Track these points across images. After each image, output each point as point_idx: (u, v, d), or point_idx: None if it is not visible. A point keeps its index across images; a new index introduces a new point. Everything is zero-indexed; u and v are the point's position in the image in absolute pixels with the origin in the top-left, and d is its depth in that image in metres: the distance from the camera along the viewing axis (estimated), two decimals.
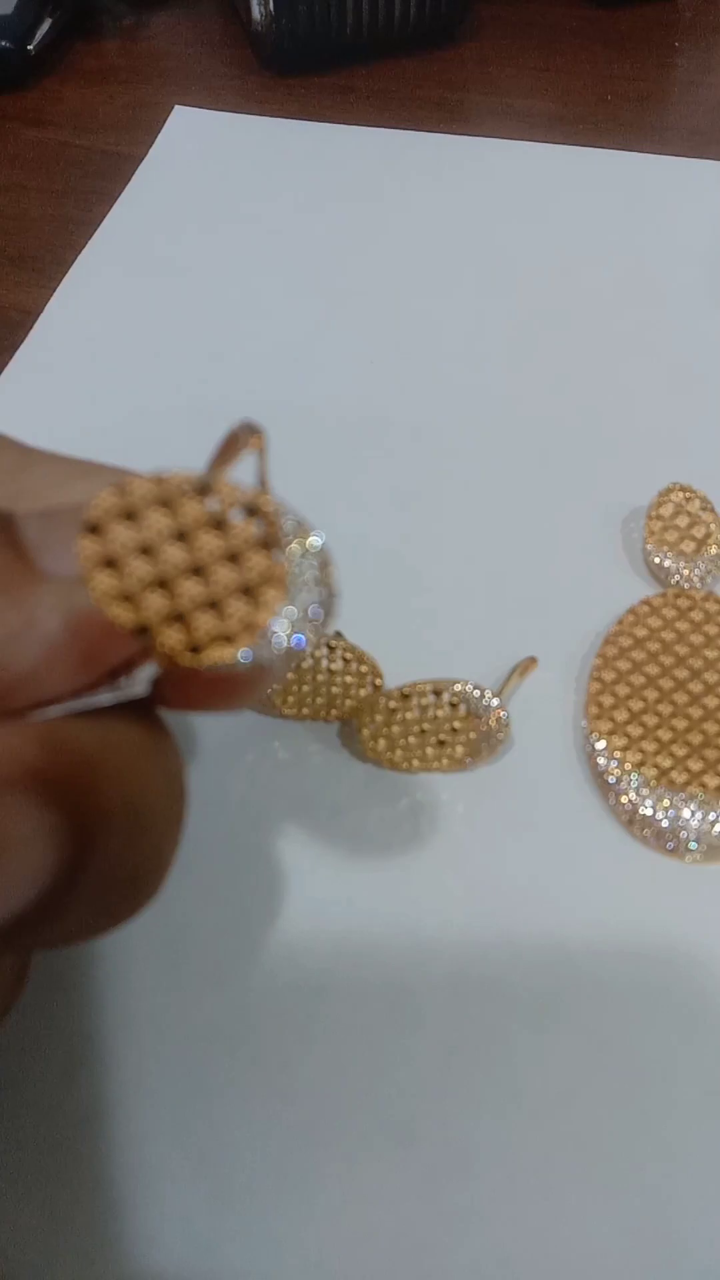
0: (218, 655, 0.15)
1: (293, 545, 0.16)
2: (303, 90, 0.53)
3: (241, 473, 0.17)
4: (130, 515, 0.15)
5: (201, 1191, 0.23)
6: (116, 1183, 0.23)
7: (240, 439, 0.18)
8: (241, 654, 0.15)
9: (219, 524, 0.16)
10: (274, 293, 0.42)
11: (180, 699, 0.18)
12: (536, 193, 0.46)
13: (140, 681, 0.16)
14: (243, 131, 0.51)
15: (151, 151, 0.50)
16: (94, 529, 0.15)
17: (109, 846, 0.16)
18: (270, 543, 0.16)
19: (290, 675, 0.29)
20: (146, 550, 0.15)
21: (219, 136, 0.50)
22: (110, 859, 0.16)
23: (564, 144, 0.48)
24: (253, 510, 0.16)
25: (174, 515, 0.15)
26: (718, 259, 0.42)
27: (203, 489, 0.16)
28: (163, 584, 0.15)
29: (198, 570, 0.15)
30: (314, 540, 0.17)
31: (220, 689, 0.18)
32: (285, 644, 0.16)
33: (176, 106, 0.52)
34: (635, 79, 0.51)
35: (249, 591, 0.15)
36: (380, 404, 0.38)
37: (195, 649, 0.15)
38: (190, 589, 0.15)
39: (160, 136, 0.50)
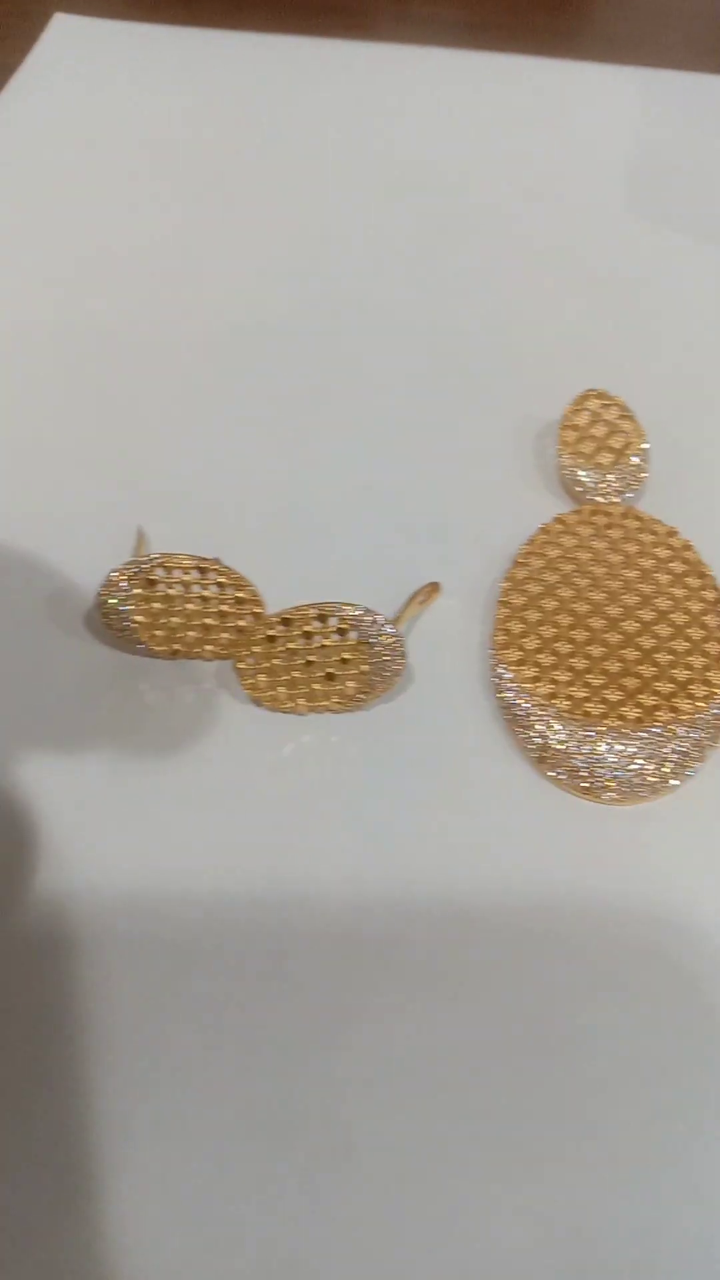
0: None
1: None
2: None
3: None
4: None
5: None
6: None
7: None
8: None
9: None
10: (160, 204, 0.39)
11: None
12: (443, 100, 0.42)
13: None
14: (127, 40, 0.46)
15: (27, 60, 0.45)
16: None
17: None
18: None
19: (157, 605, 0.25)
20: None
21: (102, 45, 0.46)
22: None
23: (474, 50, 0.44)
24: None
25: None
26: (634, 164, 0.39)
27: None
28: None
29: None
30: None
31: None
32: None
33: (56, 14, 0.47)
34: None
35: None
36: (272, 313, 0.34)
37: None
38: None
39: (37, 45, 0.46)
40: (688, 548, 0.27)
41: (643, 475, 0.29)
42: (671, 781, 0.24)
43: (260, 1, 0.48)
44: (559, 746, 0.24)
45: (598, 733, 0.24)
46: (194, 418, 0.32)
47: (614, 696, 0.25)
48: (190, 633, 0.26)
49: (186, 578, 0.25)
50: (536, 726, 0.25)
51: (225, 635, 0.26)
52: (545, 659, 0.26)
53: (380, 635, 0.25)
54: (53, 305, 0.35)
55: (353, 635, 0.25)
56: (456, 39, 0.45)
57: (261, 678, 0.25)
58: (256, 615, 0.26)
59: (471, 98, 0.42)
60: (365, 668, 0.25)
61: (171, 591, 0.25)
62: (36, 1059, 0.21)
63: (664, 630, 0.26)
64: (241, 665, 0.25)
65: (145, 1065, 0.21)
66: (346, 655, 0.25)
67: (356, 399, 0.32)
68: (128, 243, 0.37)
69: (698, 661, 0.25)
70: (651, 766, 0.24)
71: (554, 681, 0.25)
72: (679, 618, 0.26)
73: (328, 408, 0.32)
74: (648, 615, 0.26)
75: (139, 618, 0.26)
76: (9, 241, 0.37)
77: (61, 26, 0.47)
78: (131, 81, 0.44)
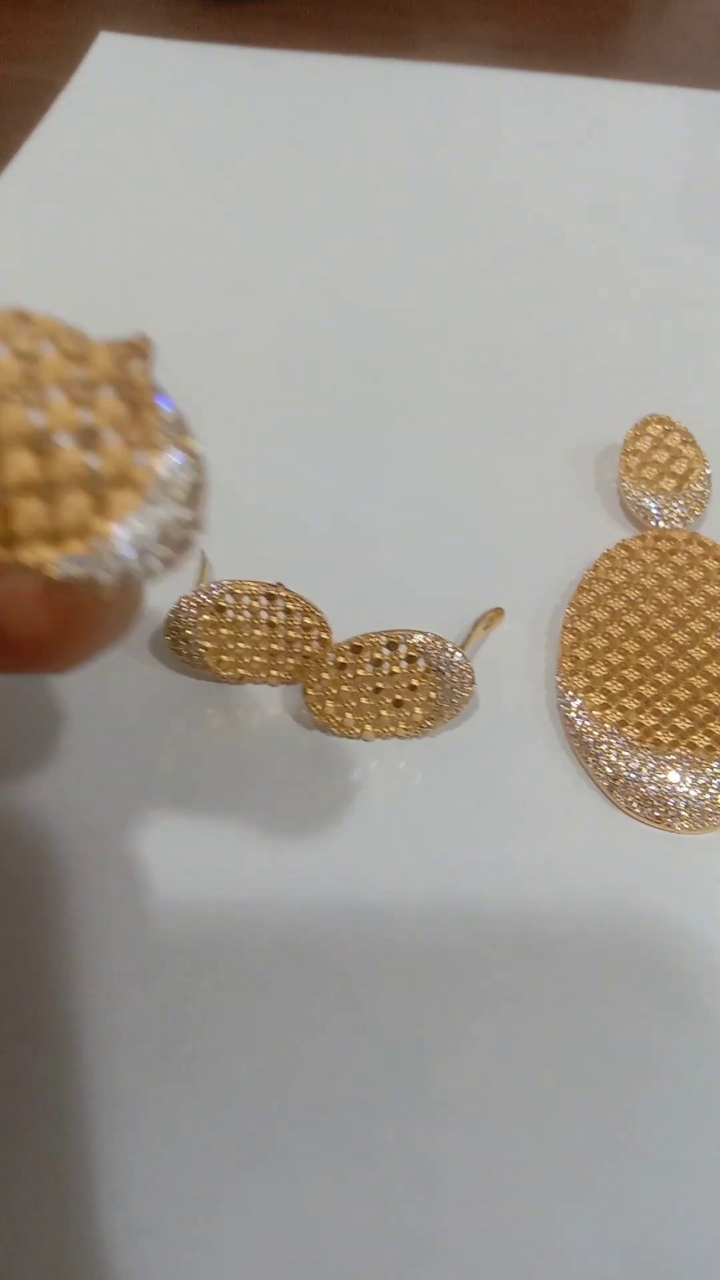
0: (35, 555, 0.11)
1: (167, 449, 0.12)
2: (240, 18, 0.49)
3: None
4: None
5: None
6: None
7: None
8: (64, 561, 0.12)
9: (83, 396, 0.12)
10: (208, 224, 0.39)
11: None
12: (492, 120, 0.42)
13: None
14: (174, 59, 0.47)
15: (74, 79, 0.45)
16: None
17: None
18: (138, 437, 0.12)
19: (225, 631, 0.25)
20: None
21: (148, 64, 0.46)
22: None
23: (518, 70, 0.44)
24: (127, 392, 0.12)
25: (30, 367, 0.11)
26: (685, 186, 0.39)
27: (76, 352, 0.12)
28: None
29: (40, 444, 0.11)
30: (193, 447, 0.13)
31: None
32: (123, 564, 0.12)
33: (102, 33, 0.48)
34: (592, 6, 0.48)
35: (97, 487, 0.12)
36: (327, 336, 0.35)
37: (7, 540, 0.11)
38: (22, 465, 0.11)
39: (84, 64, 0.46)
40: None
41: (706, 501, 0.29)
42: None
43: (305, 21, 0.49)
44: (630, 775, 0.24)
45: (669, 761, 0.24)
46: (252, 440, 0.32)
47: (684, 724, 0.25)
48: (257, 658, 0.26)
49: (255, 604, 0.25)
50: (607, 755, 0.25)
51: (291, 661, 0.26)
52: (613, 686, 0.26)
53: (449, 662, 0.24)
54: (100, 323, 0.35)
55: (421, 663, 0.25)
56: (500, 59, 0.45)
57: (329, 704, 0.25)
58: (323, 641, 0.26)
59: (521, 118, 0.42)
60: (434, 694, 0.25)
61: (240, 618, 0.25)
62: (110, 1084, 0.21)
63: None
64: (310, 691, 0.25)
65: (219, 1094, 0.21)
66: (415, 682, 0.25)
67: (415, 422, 0.32)
68: (176, 262, 0.37)
69: None
70: None
71: (623, 709, 0.25)
72: None
73: (387, 431, 0.32)
74: (715, 642, 0.26)
75: (206, 644, 0.26)
76: (57, 259, 0.38)
77: (108, 45, 0.47)
78: (178, 100, 0.45)
